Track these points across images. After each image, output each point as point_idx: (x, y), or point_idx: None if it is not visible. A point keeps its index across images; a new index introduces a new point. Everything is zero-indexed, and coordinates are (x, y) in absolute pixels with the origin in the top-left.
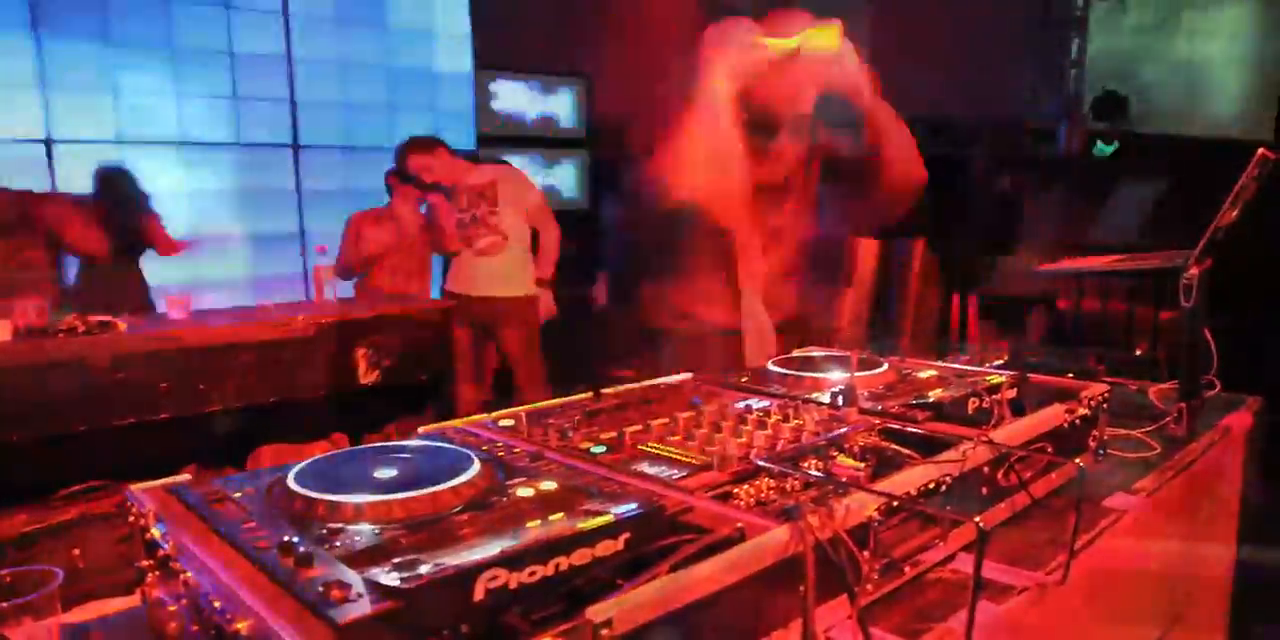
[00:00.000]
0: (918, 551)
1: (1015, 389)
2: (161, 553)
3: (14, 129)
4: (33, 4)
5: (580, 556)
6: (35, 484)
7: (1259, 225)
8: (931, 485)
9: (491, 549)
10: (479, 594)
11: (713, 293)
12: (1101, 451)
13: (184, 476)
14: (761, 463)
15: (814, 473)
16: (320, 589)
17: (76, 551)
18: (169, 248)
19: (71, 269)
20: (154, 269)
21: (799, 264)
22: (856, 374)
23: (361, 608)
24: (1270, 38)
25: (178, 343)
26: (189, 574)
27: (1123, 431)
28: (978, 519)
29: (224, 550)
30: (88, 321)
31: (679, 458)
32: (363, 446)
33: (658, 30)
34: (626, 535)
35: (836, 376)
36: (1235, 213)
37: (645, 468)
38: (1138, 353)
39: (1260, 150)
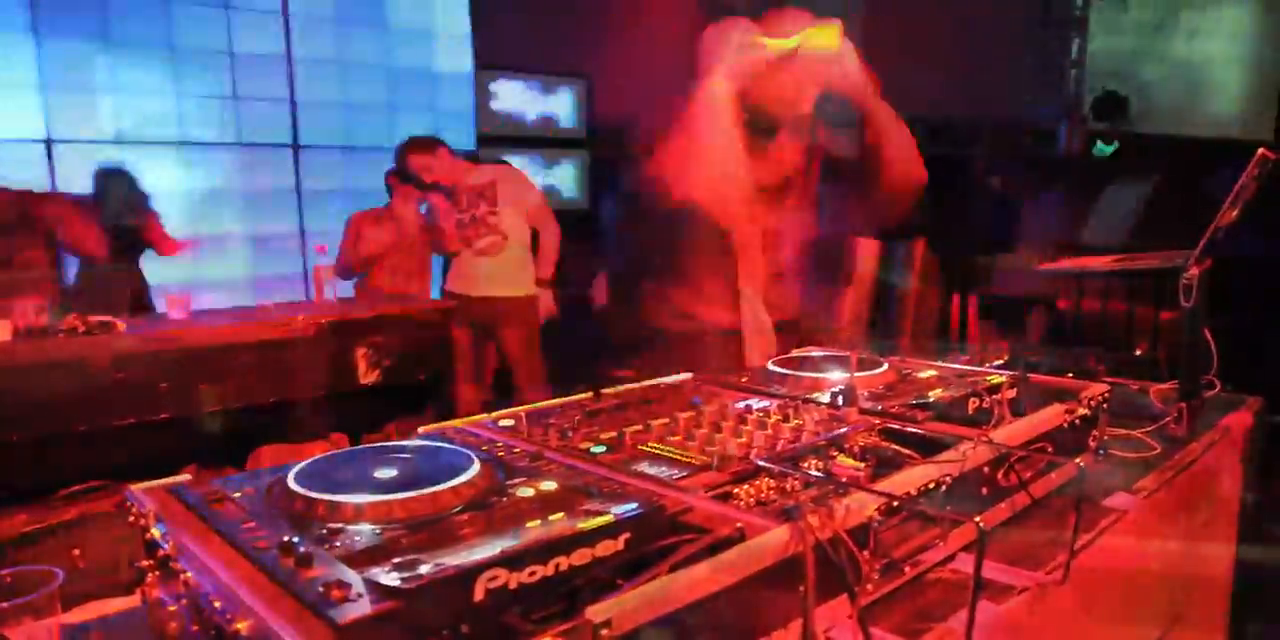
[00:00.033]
0: (918, 551)
1: (1015, 389)
2: (161, 553)
3: (14, 129)
4: (33, 4)
5: (580, 556)
6: (35, 484)
7: (1259, 225)
8: (931, 485)
9: (492, 549)
10: (479, 594)
11: (713, 292)
12: (1101, 451)
13: (184, 476)
14: (761, 463)
15: (814, 473)
16: (320, 589)
17: (76, 551)
18: (169, 248)
19: (71, 269)
20: (154, 269)
21: (799, 264)
22: (856, 374)
23: (361, 608)
24: (1270, 38)
25: (178, 343)
26: (189, 574)
27: (1123, 431)
28: (978, 519)
29: (224, 550)
30: (88, 321)
31: (679, 458)
32: (363, 446)
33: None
34: (626, 535)
35: (836, 376)
36: (1235, 213)
37: (645, 468)
38: (1138, 353)
39: (1260, 150)
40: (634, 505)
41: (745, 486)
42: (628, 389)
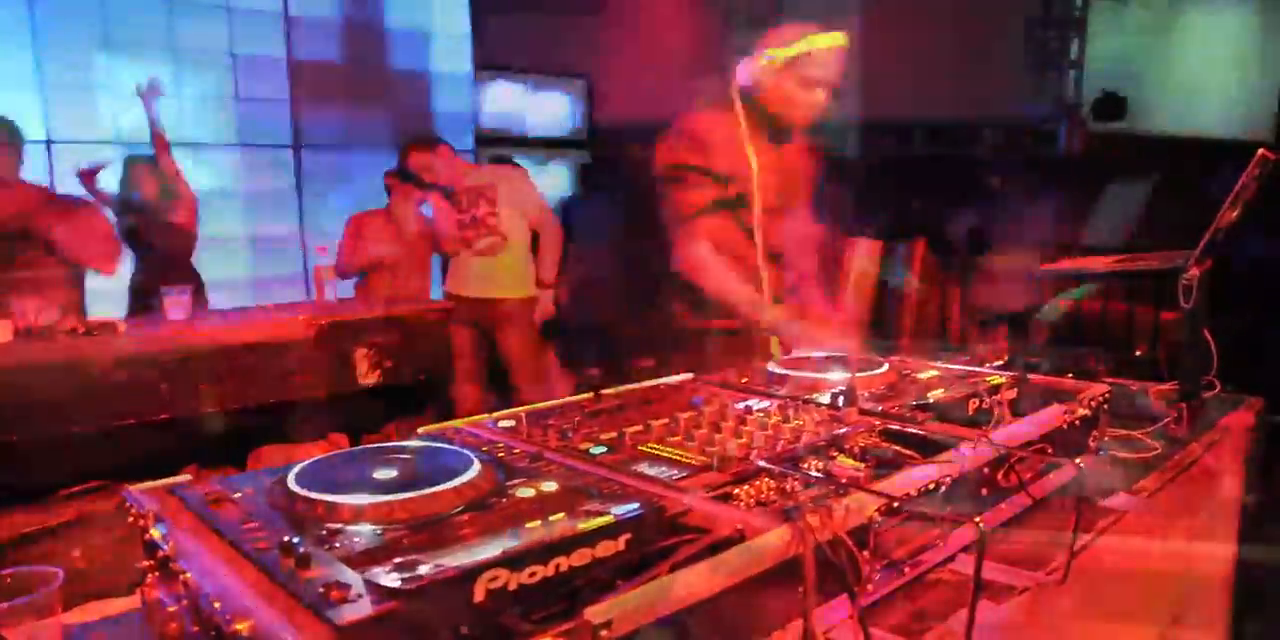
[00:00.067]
0: (918, 552)
1: (1015, 389)
2: (161, 553)
3: None
4: (33, 5)
5: (580, 557)
6: (35, 484)
7: (1259, 225)
8: (932, 486)
9: (492, 550)
10: (479, 595)
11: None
12: (1102, 452)
13: (184, 477)
14: (762, 463)
15: (814, 473)
16: (320, 590)
17: (77, 552)
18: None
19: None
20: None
21: (813, 266)
22: (857, 374)
23: (362, 608)
24: (1270, 38)
25: (178, 343)
26: (189, 575)
27: (1123, 432)
28: (978, 519)
29: (224, 551)
30: (88, 322)
31: (679, 458)
32: (363, 447)
33: (656, 31)
34: (627, 536)
35: (837, 377)
36: (1235, 213)
37: (645, 468)
38: (1138, 353)
39: (1260, 150)
40: (634, 506)
41: (745, 487)
42: (628, 389)
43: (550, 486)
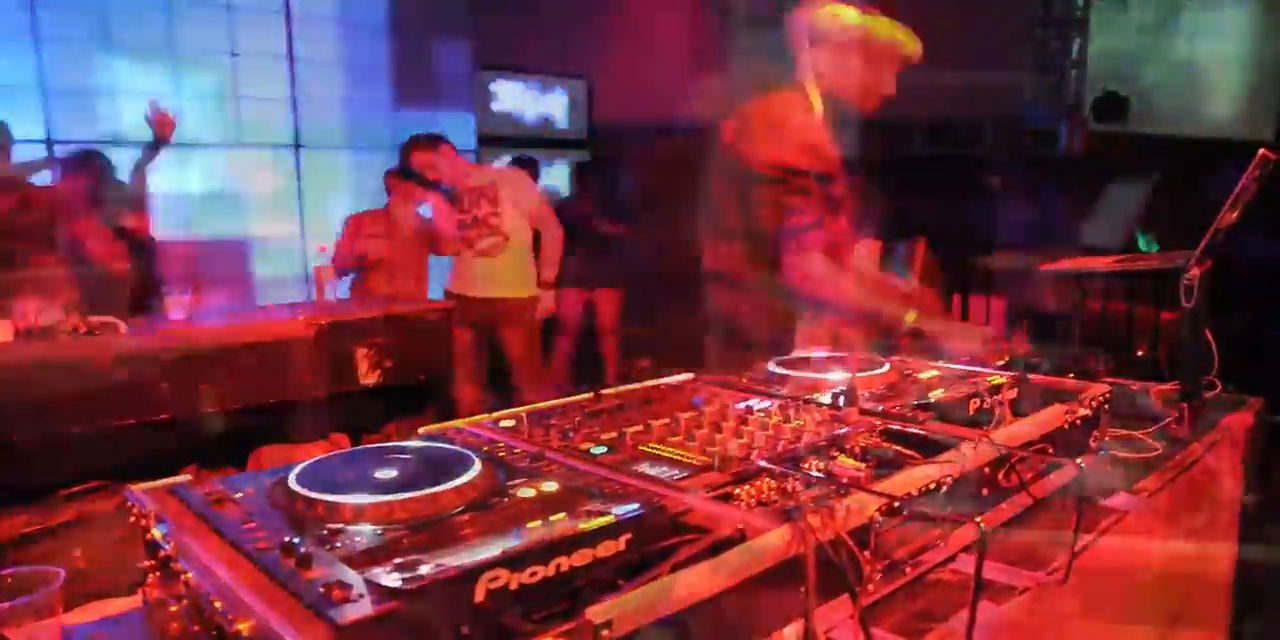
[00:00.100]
0: (919, 552)
1: (1016, 389)
2: (162, 553)
3: (14, 129)
4: (33, 5)
5: (581, 557)
6: (35, 484)
7: (1260, 226)
8: (932, 486)
9: (493, 550)
10: (480, 594)
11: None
12: (1103, 452)
13: (184, 477)
14: (763, 463)
15: (815, 473)
16: (321, 589)
17: (77, 552)
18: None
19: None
20: None
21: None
22: (857, 374)
23: (362, 608)
24: (1270, 38)
25: (178, 343)
26: (190, 574)
27: (1124, 432)
28: (979, 520)
29: (225, 551)
30: (89, 322)
31: (680, 458)
32: (364, 447)
33: (657, 31)
34: (627, 536)
35: (837, 377)
36: (1236, 213)
37: (646, 468)
38: (1139, 353)
39: (1260, 151)
40: (635, 506)
41: (746, 487)
42: (629, 389)
43: (551, 486)
